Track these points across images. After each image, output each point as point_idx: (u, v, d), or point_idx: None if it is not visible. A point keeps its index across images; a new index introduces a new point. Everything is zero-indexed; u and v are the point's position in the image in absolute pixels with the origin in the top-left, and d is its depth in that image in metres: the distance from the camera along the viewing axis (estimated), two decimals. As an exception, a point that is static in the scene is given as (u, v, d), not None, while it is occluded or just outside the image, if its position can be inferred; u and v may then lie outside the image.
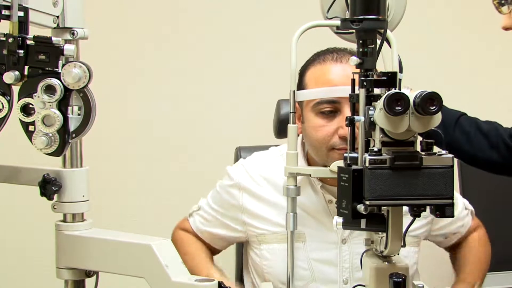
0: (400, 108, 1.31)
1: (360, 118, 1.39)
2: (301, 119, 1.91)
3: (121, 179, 2.94)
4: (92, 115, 1.52)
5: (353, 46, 1.89)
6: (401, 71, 1.70)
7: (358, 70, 1.43)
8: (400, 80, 1.69)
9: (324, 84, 1.82)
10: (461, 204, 2.07)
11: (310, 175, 1.83)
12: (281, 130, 2.27)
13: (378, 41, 1.70)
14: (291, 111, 1.77)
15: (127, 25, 2.96)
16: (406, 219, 1.80)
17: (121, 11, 2.96)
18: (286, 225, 1.76)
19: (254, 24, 3.00)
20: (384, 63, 1.76)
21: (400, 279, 1.39)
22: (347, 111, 1.76)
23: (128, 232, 1.66)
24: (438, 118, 1.33)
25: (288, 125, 1.76)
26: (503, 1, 1.44)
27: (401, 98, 1.31)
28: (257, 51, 2.97)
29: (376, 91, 1.42)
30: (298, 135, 1.91)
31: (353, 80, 1.46)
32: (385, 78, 1.38)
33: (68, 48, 1.43)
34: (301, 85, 1.90)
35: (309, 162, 1.93)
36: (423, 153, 1.34)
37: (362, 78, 1.39)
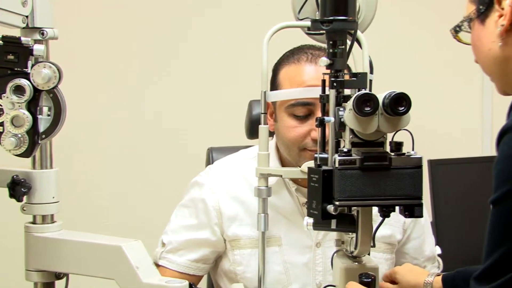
0: (369, 109, 1.31)
1: (330, 119, 1.39)
2: (274, 117, 1.90)
3: (91, 181, 2.93)
4: (62, 116, 1.51)
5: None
6: (371, 72, 1.71)
7: (328, 71, 1.43)
8: (371, 81, 1.71)
9: (299, 85, 1.81)
10: (438, 251, 2.07)
11: (281, 176, 1.82)
12: (253, 130, 2.27)
13: (349, 42, 1.73)
14: (262, 112, 1.77)
15: (97, 25, 2.95)
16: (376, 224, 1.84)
17: (91, 11, 2.94)
18: (258, 226, 1.76)
19: (226, 25, 3.01)
20: (355, 64, 1.77)
21: (370, 279, 1.40)
22: (320, 113, 1.76)
23: (99, 233, 1.66)
24: (407, 118, 1.33)
25: (260, 126, 1.76)
26: (457, 28, 1.45)
27: (370, 99, 1.32)
28: (229, 51, 2.97)
29: (347, 91, 1.42)
30: (272, 135, 1.91)
31: (324, 81, 1.46)
32: (355, 78, 1.39)
33: (38, 48, 1.42)
34: (274, 83, 1.90)
35: (283, 163, 1.93)
36: (392, 153, 1.35)
37: (332, 79, 1.40)
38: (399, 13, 3.07)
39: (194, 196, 1.94)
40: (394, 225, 1.93)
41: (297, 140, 1.82)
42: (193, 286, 1.60)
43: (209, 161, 2.30)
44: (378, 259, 1.89)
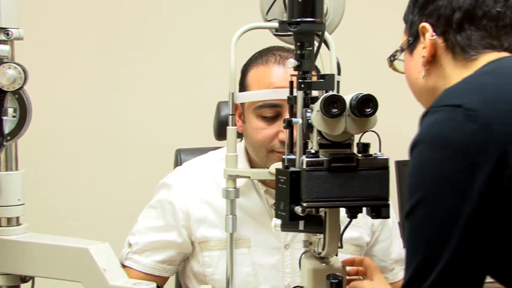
0: (336, 110, 1.32)
1: (297, 120, 1.40)
2: (242, 118, 1.90)
3: (58, 182, 2.89)
4: (28, 117, 1.50)
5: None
6: (339, 73, 1.72)
7: (296, 72, 1.43)
8: (338, 82, 1.71)
9: (267, 86, 1.82)
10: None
11: (250, 177, 1.82)
12: (221, 132, 2.26)
13: (317, 44, 1.74)
14: (231, 113, 1.76)
15: (64, 26, 2.92)
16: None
17: (57, 12, 2.92)
18: (226, 227, 1.76)
19: (196, 26, 3.00)
20: (323, 66, 1.77)
21: (337, 280, 1.40)
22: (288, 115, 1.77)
23: (66, 236, 1.64)
24: (374, 120, 1.34)
25: (228, 127, 1.76)
26: (392, 58, 1.51)
27: (338, 101, 1.32)
28: (196, 52, 2.96)
29: (315, 93, 1.42)
30: (240, 136, 1.91)
31: (291, 82, 1.46)
32: (322, 80, 1.39)
33: (2, 49, 1.40)
34: (242, 85, 1.90)
35: (252, 164, 1.93)
36: (359, 155, 1.35)
37: (300, 80, 1.40)
38: (367, 14, 3.08)
39: (162, 198, 1.93)
40: (362, 227, 1.93)
41: (265, 142, 1.82)
42: (159, 288, 1.60)
43: (178, 162, 2.30)
44: None
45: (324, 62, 1.75)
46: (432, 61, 1.40)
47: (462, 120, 1.18)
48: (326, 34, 1.70)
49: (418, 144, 1.22)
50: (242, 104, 1.88)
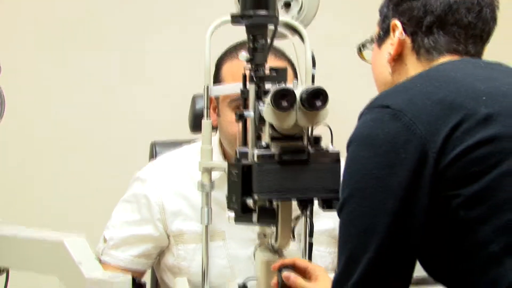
0: (286, 103, 1.32)
1: (249, 113, 1.40)
2: (217, 111, 1.91)
3: (32, 176, 2.87)
4: (1, 110, 1.52)
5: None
6: (314, 66, 1.72)
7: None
8: (313, 75, 1.72)
9: (241, 80, 1.82)
10: None
11: (225, 170, 1.82)
12: (196, 125, 2.26)
13: (295, 37, 1.74)
14: (205, 107, 1.77)
15: (35, 17, 2.91)
16: (320, 217, 1.84)
17: (17, 7, 2.91)
18: (201, 220, 1.77)
19: (170, 18, 2.96)
20: (297, 59, 1.77)
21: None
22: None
23: (40, 228, 1.66)
24: (325, 113, 1.35)
25: (202, 120, 1.76)
26: (361, 46, 1.54)
27: (288, 94, 1.33)
28: (172, 45, 2.94)
29: (268, 86, 1.43)
30: (215, 128, 1.92)
31: (244, 75, 1.47)
32: (275, 73, 1.40)
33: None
34: (217, 78, 1.90)
35: (226, 157, 1.93)
36: (311, 148, 1.35)
37: (252, 74, 1.41)
38: (342, 8, 3.04)
39: (137, 192, 1.94)
40: (337, 218, 1.92)
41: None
42: (136, 280, 1.61)
43: (153, 155, 2.30)
44: (322, 253, 1.90)
45: (299, 56, 1.75)
46: (397, 59, 1.42)
47: (388, 120, 1.23)
48: (300, 27, 1.71)
49: (351, 144, 1.27)
50: (217, 98, 1.89)
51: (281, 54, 1.91)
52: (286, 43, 1.78)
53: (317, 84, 1.69)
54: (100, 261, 1.85)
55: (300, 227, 1.79)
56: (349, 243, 1.25)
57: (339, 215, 1.27)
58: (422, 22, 1.39)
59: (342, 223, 1.27)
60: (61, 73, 2.90)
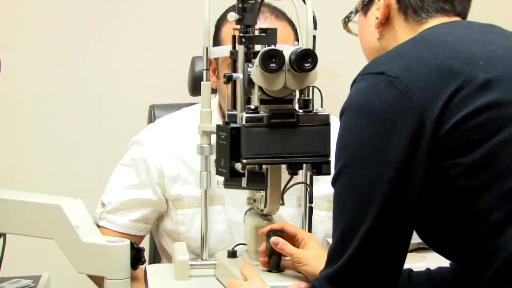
0: (275, 65, 1.29)
1: (238, 75, 1.38)
2: (217, 74, 1.88)
3: (30, 140, 2.84)
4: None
5: (271, 1, 1.89)
6: (315, 28, 1.68)
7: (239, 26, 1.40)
8: (314, 36, 1.68)
9: None
10: None
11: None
12: (195, 87, 2.23)
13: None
14: (205, 69, 1.74)
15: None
16: (319, 182, 1.81)
17: None
18: (200, 184, 1.74)
19: None
20: (298, 20, 1.74)
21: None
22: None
23: (38, 193, 1.65)
24: (314, 75, 1.31)
25: (202, 82, 1.73)
26: (346, 19, 1.50)
27: (276, 55, 1.30)
28: (171, 6, 2.90)
29: (258, 48, 1.40)
30: (214, 92, 1.89)
31: (234, 37, 1.43)
32: (264, 34, 1.36)
33: None
34: (217, 40, 1.87)
35: None
36: (300, 110, 1.32)
37: (241, 35, 1.38)
38: None
39: (135, 155, 1.92)
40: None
41: (238, 97, 1.80)
42: (134, 245, 1.60)
43: (151, 118, 2.28)
44: (322, 218, 1.88)
45: (300, 17, 1.71)
46: (385, 23, 1.39)
47: (383, 87, 1.19)
48: (303, -13, 1.67)
49: (344, 112, 1.23)
50: (216, 59, 1.86)
51: (282, 15, 1.88)
52: (287, 4, 1.74)
53: (319, 46, 1.68)
54: (98, 226, 1.84)
55: (300, 192, 1.78)
56: (345, 214, 1.22)
57: (333, 185, 1.25)
58: None
59: (337, 193, 1.24)
60: (59, 35, 2.87)
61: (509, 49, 1.25)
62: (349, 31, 1.52)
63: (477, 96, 1.17)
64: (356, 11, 1.46)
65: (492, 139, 1.16)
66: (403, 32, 1.36)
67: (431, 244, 1.30)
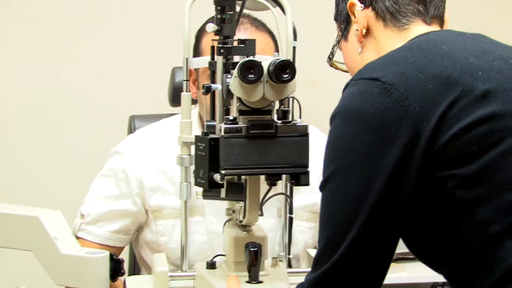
0: (253, 76, 1.30)
1: (216, 86, 1.38)
2: (197, 84, 1.88)
3: (8, 153, 2.83)
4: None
5: (252, 13, 1.89)
6: (295, 39, 1.69)
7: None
8: (294, 48, 1.68)
9: None
10: None
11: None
12: (176, 98, 2.21)
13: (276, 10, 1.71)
14: (185, 79, 1.74)
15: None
16: (300, 192, 1.82)
17: None
18: (180, 195, 1.74)
19: None
20: (278, 31, 1.74)
21: (256, 249, 1.39)
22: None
23: (16, 204, 1.64)
24: (292, 86, 1.32)
25: (182, 93, 1.73)
26: (330, 56, 1.50)
27: (255, 66, 1.30)
28: (151, 16, 2.90)
29: (237, 59, 1.40)
30: (195, 102, 1.89)
31: (213, 47, 1.44)
32: (243, 45, 1.37)
33: None
34: (197, 51, 1.87)
35: None
36: (279, 121, 1.33)
37: (220, 46, 1.38)
38: None
39: (114, 166, 1.91)
40: (318, 193, 1.89)
41: (218, 108, 1.80)
42: (113, 257, 1.60)
43: (131, 129, 2.27)
44: (302, 228, 1.88)
45: (280, 27, 1.72)
46: (366, 35, 1.38)
47: (378, 94, 1.17)
48: (282, -1, 1.67)
49: (335, 117, 1.21)
50: (197, 70, 1.86)
51: (262, 26, 1.89)
52: (268, 15, 1.74)
53: (299, 57, 1.69)
54: (77, 237, 1.83)
55: (280, 203, 1.78)
56: (332, 221, 1.21)
57: (321, 190, 1.23)
58: None
59: (325, 200, 1.23)
60: (40, 47, 2.87)
61: (505, 60, 1.24)
62: (336, 67, 1.51)
63: (476, 107, 1.16)
64: (338, 42, 1.45)
65: (492, 151, 1.15)
66: (385, 39, 1.35)
67: (421, 255, 1.29)
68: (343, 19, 1.42)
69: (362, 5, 1.37)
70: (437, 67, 1.19)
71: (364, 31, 1.37)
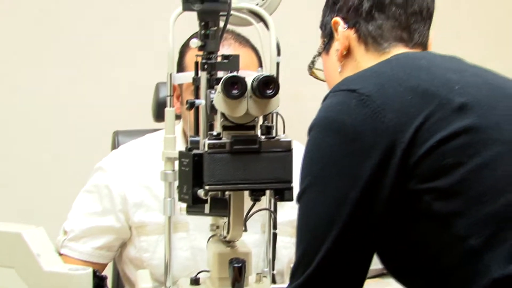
0: (237, 91, 1.29)
1: (200, 102, 1.38)
2: (181, 100, 1.88)
3: None
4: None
5: (235, 28, 1.89)
6: (279, 54, 1.69)
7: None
8: (278, 63, 1.69)
9: None
10: None
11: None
12: (160, 113, 2.22)
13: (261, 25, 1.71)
14: (169, 95, 1.74)
15: None
16: (284, 208, 1.81)
17: None
18: (164, 210, 1.73)
19: (135, 4, 2.92)
20: (261, 46, 1.74)
21: (240, 264, 1.38)
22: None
23: (-1, 220, 1.63)
24: (276, 101, 1.31)
25: (166, 108, 1.73)
26: (310, 64, 1.51)
27: (238, 81, 1.29)
28: (135, 31, 2.90)
29: (220, 74, 1.40)
30: (179, 118, 1.89)
31: (196, 63, 1.44)
32: (226, 61, 1.37)
33: None
34: (181, 66, 1.88)
35: None
36: (263, 137, 1.33)
37: (203, 61, 1.38)
38: None
39: (98, 182, 1.91)
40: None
41: (202, 124, 1.80)
42: (97, 273, 1.59)
43: (115, 144, 2.27)
44: (286, 244, 1.88)
45: (263, 43, 1.72)
46: (346, 55, 1.39)
47: (355, 105, 1.18)
48: (265, 14, 1.68)
49: (313, 128, 1.22)
50: (180, 86, 1.86)
51: (246, 42, 1.90)
52: (251, 31, 1.75)
53: (282, 73, 1.69)
54: (60, 254, 1.82)
55: (264, 218, 1.78)
56: (308, 232, 1.22)
57: (298, 202, 1.24)
58: (360, 9, 1.36)
59: (301, 211, 1.23)
60: (23, 61, 2.85)
61: (482, 77, 1.26)
62: (315, 76, 1.52)
63: (452, 119, 1.16)
64: (319, 54, 1.46)
65: (468, 163, 1.15)
66: (365, 62, 1.35)
67: (396, 271, 1.28)
68: (327, 32, 1.43)
69: (346, 26, 1.38)
70: (415, 80, 1.20)
71: (344, 52, 1.38)
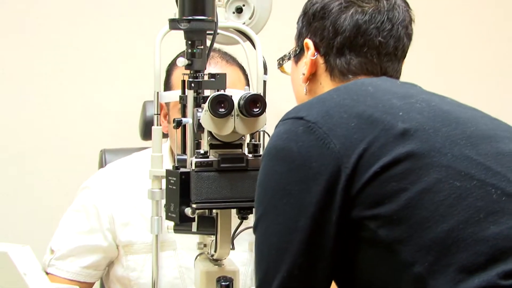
0: (223, 110, 1.30)
1: (187, 120, 1.39)
2: (168, 118, 1.88)
3: None
4: None
5: (222, 47, 1.90)
6: (265, 73, 1.69)
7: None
8: (265, 82, 1.69)
9: None
10: None
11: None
12: (147, 132, 2.23)
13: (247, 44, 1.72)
14: (156, 113, 1.74)
15: None
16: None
17: None
18: (151, 229, 1.73)
19: (122, 23, 2.92)
20: (248, 64, 1.75)
21: (228, 283, 1.39)
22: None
23: (-16, 239, 1.62)
24: (263, 120, 1.33)
25: (153, 127, 1.73)
26: (280, 61, 1.52)
27: (225, 100, 1.31)
28: (122, 50, 2.90)
29: (207, 93, 1.40)
30: (166, 136, 1.89)
31: (183, 82, 1.44)
32: (213, 79, 1.37)
33: None
34: (168, 85, 1.88)
35: None
36: (250, 155, 1.33)
37: (190, 80, 1.39)
38: (294, 15, 3.01)
39: (85, 201, 1.90)
40: None
41: (189, 141, 1.80)
42: (85, 293, 1.58)
43: (102, 163, 2.27)
44: None
45: (249, 61, 1.73)
46: (312, 78, 1.41)
47: (302, 132, 1.19)
48: (252, 33, 1.68)
49: (264, 157, 1.23)
50: (167, 104, 1.86)
51: (233, 60, 1.90)
52: (238, 49, 1.76)
53: (269, 90, 1.70)
54: (46, 273, 1.82)
55: (252, 236, 1.77)
56: (263, 262, 1.21)
57: (254, 232, 1.24)
58: (332, 43, 1.37)
59: (257, 241, 1.23)
60: (8, 79, 2.85)
61: (428, 102, 1.25)
62: (283, 71, 1.53)
63: (394, 145, 1.17)
64: (289, 57, 1.47)
65: (410, 189, 1.15)
66: (329, 87, 1.37)
67: None
68: (300, 44, 1.43)
69: (316, 54, 1.39)
70: (360, 106, 1.21)
71: (310, 76, 1.40)
